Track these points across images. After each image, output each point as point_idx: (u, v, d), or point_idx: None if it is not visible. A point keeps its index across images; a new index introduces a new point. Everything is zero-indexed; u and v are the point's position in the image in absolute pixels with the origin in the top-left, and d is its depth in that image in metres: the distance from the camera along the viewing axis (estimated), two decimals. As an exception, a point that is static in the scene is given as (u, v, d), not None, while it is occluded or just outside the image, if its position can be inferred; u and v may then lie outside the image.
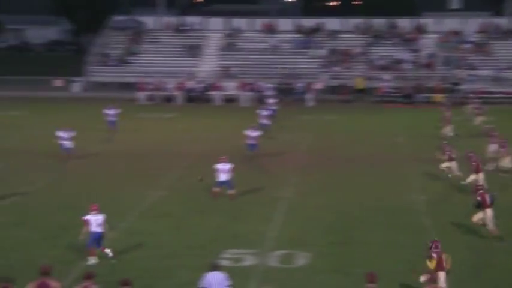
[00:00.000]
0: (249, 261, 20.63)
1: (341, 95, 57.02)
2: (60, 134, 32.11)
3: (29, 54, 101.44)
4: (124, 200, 27.09)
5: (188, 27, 67.38)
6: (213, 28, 67.30)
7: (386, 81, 58.70)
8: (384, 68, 61.17)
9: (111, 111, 40.11)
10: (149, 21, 68.86)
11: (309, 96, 55.62)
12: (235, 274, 19.37)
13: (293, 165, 33.46)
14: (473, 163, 27.83)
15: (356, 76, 59.39)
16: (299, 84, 57.27)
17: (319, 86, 57.58)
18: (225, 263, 20.00)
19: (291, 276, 19.54)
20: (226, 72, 60.56)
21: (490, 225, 22.38)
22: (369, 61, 62.31)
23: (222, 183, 26.73)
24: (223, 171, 26.60)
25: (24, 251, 21.40)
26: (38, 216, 24.75)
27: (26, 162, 33.01)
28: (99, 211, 20.49)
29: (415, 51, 63.25)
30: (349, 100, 56.33)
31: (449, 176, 29.79)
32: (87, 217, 20.30)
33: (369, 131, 42.85)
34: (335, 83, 59.46)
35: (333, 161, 34.63)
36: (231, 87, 57.50)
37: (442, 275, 17.41)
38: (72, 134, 32.27)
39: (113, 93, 58.30)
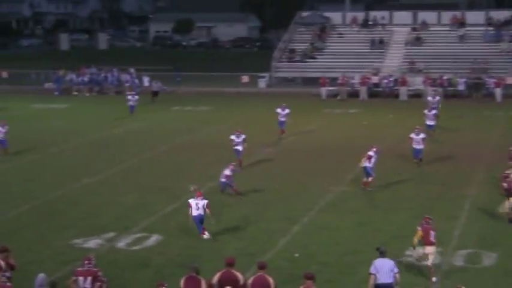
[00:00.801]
0: (434, 259, 20.20)
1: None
2: (233, 137, 31.58)
3: (218, 51, 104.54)
4: (308, 195, 27.34)
5: (374, 22, 66.88)
6: (400, 22, 66.40)
7: None
8: None
9: (283, 111, 38.28)
10: (335, 16, 68.97)
11: (498, 91, 53.69)
12: (419, 272, 19.09)
13: (480, 162, 32.44)
14: None
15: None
16: (489, 79, 55.35)
17: (510, 80, 55.42)
18: (408, 260, 19.74)
19: (476, 277, 18.98)
20: (412, 67, 59.59)
21: None
22: None
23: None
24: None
25: (212, 241, 22.09)
26: (223, 208, 25.45)
27: (211, 156, 34.00)
28: (204, 197, 22.01)
29: None
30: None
31: None
32: (190, 200, 22.07)
33: None
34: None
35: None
36: (417, 82, 56.52)
37: (429, 249, 18.55)
38: (243, 137, 31.48)
39: (297, 88, 58.98)
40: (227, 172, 26.93)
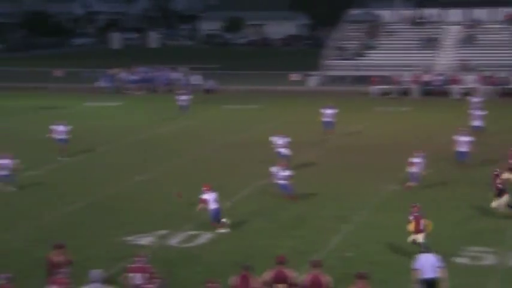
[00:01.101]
0: (488, 260, 19.96)
1: None
2: (275, 139, 31.24)
3: (268, 49, 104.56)
4: (359, 194, 27.21)
5: (425, 20, 66.26)
6: (452, 20, 65.68)
7: None
8: None
9: (329, 111, 37.37)
10: (386, 14, 68.51)
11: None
12: (473, 273, 18.87)
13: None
14: None
15: None
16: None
17: None
18: (462, 260, 19.52)
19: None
20: (464, 65, 58.89)
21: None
22: None
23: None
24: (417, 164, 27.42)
25: (264, 239, 22.12)
26: (275, 207, 25.46)
27: (259, 155, 34.05)
28: (212, 189, 22.65)
29: None
30: None
31: None
32: (205, 196, 22.55)
33: None
34: None
35: None
36: (469, 80, 55.86)
37: (419, 237, 19.76)
38: (287, 140, 31.05)
39: (347, 87, 58.72)
40: (283, 173, 26.27)
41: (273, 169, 26.54)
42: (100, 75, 61.42)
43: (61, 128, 33.88)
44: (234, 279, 15.46)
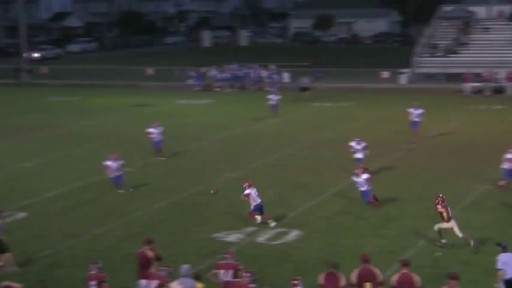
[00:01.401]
0: None
1: None
2: (352, 144, 29.81)
3: (358, 47, 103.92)
4: (450, 193, 26.61)
5: (521, 16, 64.67)
6: (549, 15, 63.90)
7: None
8: None
9: (416, 111, 36.12)
10: (479, 10, 67.13)
11: None
12: None
13: None
14: None
15: None
16: None
17: None
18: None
19: None
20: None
21: None
22: None
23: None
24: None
25: (351, 238, 22.05)
26: (362, 206, 25.29)
27: (346, 153, 33.89)
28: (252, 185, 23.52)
29: None
30: None
31: None
32: (248, 191, 23.38)
33: None
34: None
35: None
36: None
37: (450, 224, 20.87)
38: (364, 144, 29.61)
39: (439, 84, 57.82)
40: (360, 178, 25.36)
41: (352, 177, 25.88)
42: (191, 73, 62.22)
43: (155, 129, 33.39)
44: (321, 277, 15.46)
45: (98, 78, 64.98)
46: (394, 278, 15.21)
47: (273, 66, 60.99)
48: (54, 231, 20.95)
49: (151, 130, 33.46)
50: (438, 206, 20.83)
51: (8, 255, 19.58)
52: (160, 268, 16.21)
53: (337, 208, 25.23)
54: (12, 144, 37.93)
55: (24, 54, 72.11)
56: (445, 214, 20.82)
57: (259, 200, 23.51)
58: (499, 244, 16.69)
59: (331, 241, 21.92)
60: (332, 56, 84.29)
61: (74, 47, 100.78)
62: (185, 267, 15.91)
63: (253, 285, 15.39)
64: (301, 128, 41.33)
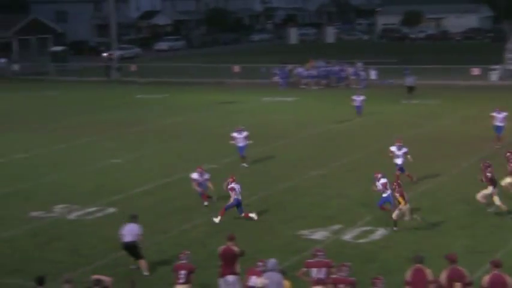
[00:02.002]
0: None
1: None
2: (393, 149, 28.38)
3: (447, 43, 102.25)
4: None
5: None
6: None
7: None
8: None
9: (500, 115, 34.24)
10: None
11: None
12: None
13: None
14: None
15: None
16: None
17: None
18: None
19: None
20: None
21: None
22: None
23: None
24: None
25: (438, 237, 21.74)
26: (448, 204, 24.91)
27: (435, 151, 33.43)
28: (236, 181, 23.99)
29: None
30: None
31: None
32: (232, 185, 23.83)
33: None
34: None
35: None
36: None
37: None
38: (405, 150, 28.27)
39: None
40: (380, 183, 23.96)
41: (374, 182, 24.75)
42: (277, 70, 62.33)
43: (239, 134, 31.85)
44: (408, 273, 15.31)
45: (185, 75, 65.82)
46: (486, 279, 14.93)
47: (359, 64, 60.60)
48: (142, 226, 21.21)
49: (234, 135, 31.91)
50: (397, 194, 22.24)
51: (142, 261, 19.88)
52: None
53: (424, 207, 24.89)
54: (102, 140, 38.78)
55: (104, 54, 73.60)
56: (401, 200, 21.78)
57: (240, 197, 23.90)
58: None
59: (417, 240, 21.67)
60: (420, 52, 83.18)
61: (162, 45, 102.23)
62: (272, 261, 15.94)
63: (353, 278, 15.38)
64: (389, 125, 40.92)
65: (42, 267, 20.12)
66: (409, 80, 52.23)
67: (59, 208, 26.23)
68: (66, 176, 31.13)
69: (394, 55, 73.93)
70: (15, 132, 41.96)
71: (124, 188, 28.40)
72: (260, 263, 16.17)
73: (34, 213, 25.70)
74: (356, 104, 44.12)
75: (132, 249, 19.65)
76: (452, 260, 15.42)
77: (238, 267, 17.23)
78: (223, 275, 17.18)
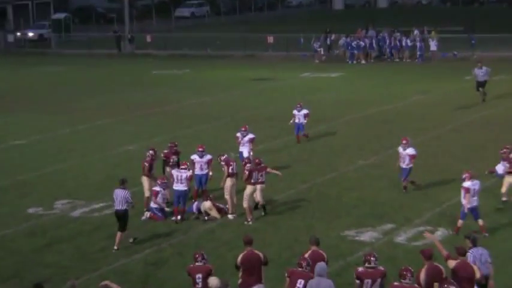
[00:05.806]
0: None
1: None
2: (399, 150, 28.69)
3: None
4: None
5: None
6: None
7: None
8: None
9: None
10: None
11: None
12: None
13: None
14: None
15: None
16: None
17: None
18: None
19: None
20: None
21: None
22: None
23: None
24: None
25: (508, 240, 21.61)
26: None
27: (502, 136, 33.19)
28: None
29: None
30: None
31: None
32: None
33: None
34: None
35: None
36: None
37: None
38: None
39: None
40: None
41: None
42: (319, 41, 62.02)
43: (297, 111, 33.44)
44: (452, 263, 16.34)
45: (210, 47, 65.83)
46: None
47: (417, 32, 60.16)
48: (157, 225, 21.48)
49: (294, 112, 33.55)
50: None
51: (121, 234, 21.59)
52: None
53: (492, 204, 24.69)
54: (114, 124, 38.92)
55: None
56: None
57: (180, 188, 24.23)
58: None
59: (484, 243, 21.47)
60: (491, 19, 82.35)
61: (182, 11, 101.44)
62: (321, 265, 15.80)
63: (416, 285, 15.43)
64: (450, 106, 40.63)
65: (42, 272, 20.29)
66: (480, 74, 41.92)
67: (60, 204, 26.41)
68: (70, 166, 31.33)
69: (460, 22, 73.25)
70: (14, 114, 42.30)
71: (138, 180, 28.45)
72: (303, 263, 16.05)
73: (32, 210, 25.90)
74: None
75: (121, 218, 21.90)
76: (428, 257, 16.04)
77: (263, 276, 17.06)
78: (247, 286, 17.05)
